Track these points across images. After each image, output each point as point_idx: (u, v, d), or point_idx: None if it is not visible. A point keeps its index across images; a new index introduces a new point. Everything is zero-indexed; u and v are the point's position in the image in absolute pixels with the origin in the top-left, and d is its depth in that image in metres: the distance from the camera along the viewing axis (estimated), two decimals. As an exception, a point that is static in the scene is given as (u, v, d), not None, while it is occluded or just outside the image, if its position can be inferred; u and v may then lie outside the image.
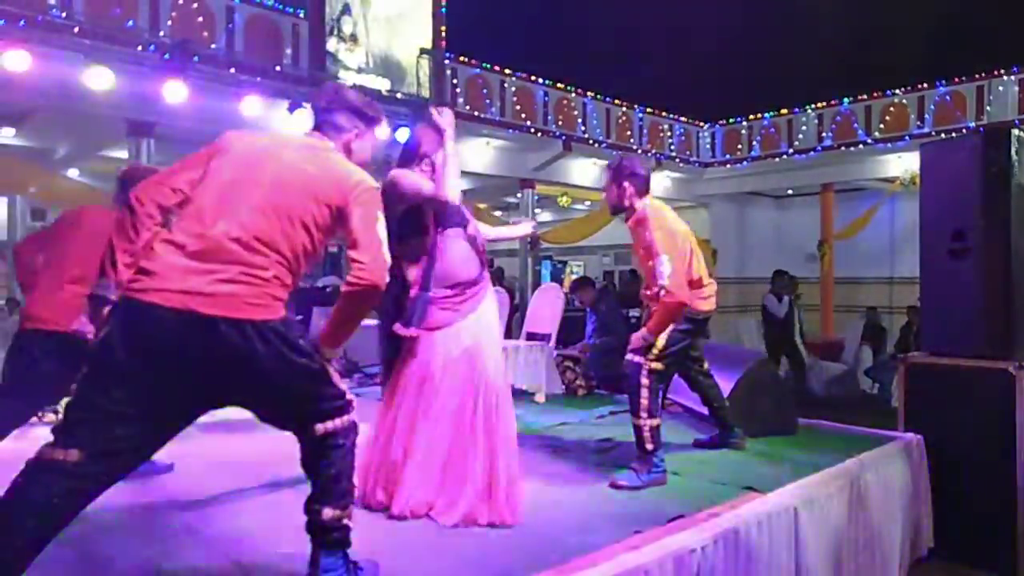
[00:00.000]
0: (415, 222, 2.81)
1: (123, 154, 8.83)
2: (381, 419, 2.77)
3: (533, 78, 12.06)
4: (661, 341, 3.21)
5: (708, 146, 15.18)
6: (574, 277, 12.13)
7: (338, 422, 1.97)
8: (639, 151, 13.64)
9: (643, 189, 3.33)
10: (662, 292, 3.07)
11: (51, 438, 1.74)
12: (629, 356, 3.25)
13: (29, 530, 1.66)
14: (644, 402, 3.15)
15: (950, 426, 3.88)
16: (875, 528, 3.40)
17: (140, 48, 7.56)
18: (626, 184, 3.31)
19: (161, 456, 3.06)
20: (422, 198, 2.76)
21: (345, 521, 1.99)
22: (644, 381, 3.17)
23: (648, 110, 14.02)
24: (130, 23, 7.74)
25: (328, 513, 1.95)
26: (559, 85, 12.47)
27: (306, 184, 1.93)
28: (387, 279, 1.98)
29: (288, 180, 1.92)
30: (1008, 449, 3.69)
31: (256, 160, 1.94)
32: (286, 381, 1.87)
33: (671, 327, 3.23)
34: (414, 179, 2.78)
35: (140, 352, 1.74)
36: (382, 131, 2.23)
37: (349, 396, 2.02)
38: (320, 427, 1.94)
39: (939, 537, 3.84)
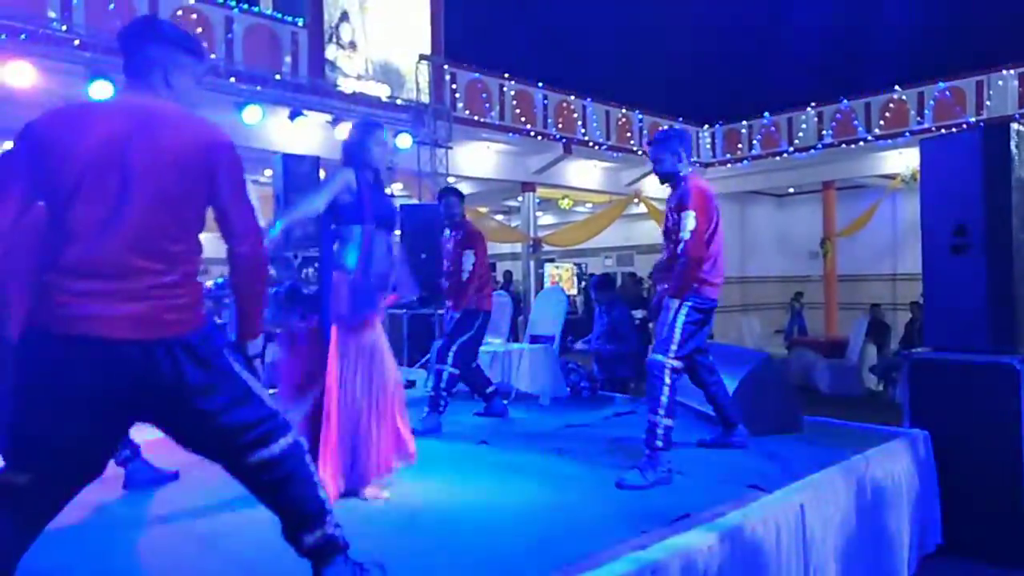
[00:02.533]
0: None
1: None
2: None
3: (532, 82, 12.09)
4: (677, 336, 3.28)
5: (708, 146, 15.19)
6: (591, 276, 12.00)
7: (274, 449, 1.76)
8: (639, 152, 13.66)
9: (685, 167, 3.50)
10: (681, 247, 3.26)
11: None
12: (651, 355, 3.33)
13: None
14: (665, 400, 3.21)
15: (956, 421, 3.87)
16: (883, 525, 3.39)
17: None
18: (681, 151, 3.46)
19: (167, 465, 3.10)
20: None
21: (329, 532, 1.84)
22: (667, 380, 3.23)
23: (647, 111, 14.04)
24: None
25: (309, 539, 1.82)
26: (558, 88, 12.51)
27: (173, 160, 1.68)
28: (265, 243, 1.83)
29: (153, 161, 1.67)
30: (1014, 443, 3.68)
31: (103, 149, 1.65)
32: (203, 404, 1.69)
33: (684, 320, 3.32)
34: None
35: (49, 384, 1.63)
36: (203, 63, 1.97)
37: (282, 416, 1.83)
38: (254, 458, 1.75)
39: (948, 533, 3.82)
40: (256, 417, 1.76)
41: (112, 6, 7.67)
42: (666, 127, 14.41)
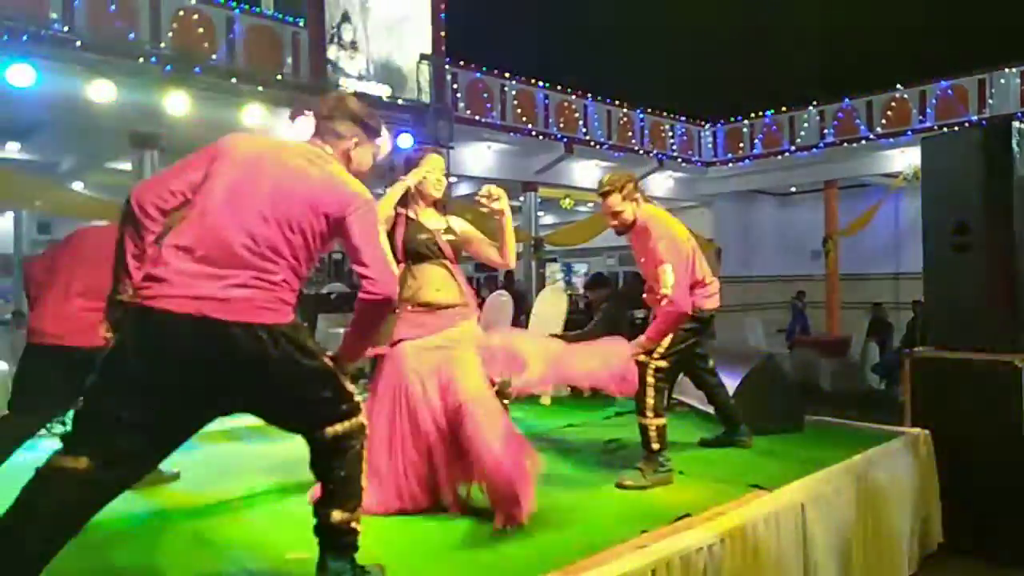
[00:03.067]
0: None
1: (127, 166, 8.90)
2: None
3: (533, 81, 12.09)
4: (666, 340, 3.21)
5: (710, 145, 15.19)
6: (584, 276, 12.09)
7: (347, 425, 1.97)
8: (641, 152, 13.66)
9: (638, 198, 3.31)
10: (664, 302, 3.08)
11: (60, 447, 1.75)
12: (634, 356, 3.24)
13: (39, 539, 1.68)
14: (650, 401, 3.16)
15: (957, 420, 3.86)
16: (884, 524, 3.39)
17: (141, 60, 7.62)
18: (626, 203, 3.27)
19: (166, 465, 3.11)
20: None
21: (354, 524, 1.99)
22: (650, 380, 3.17)
23: (649, 111, 14.03)
24: (131, 35, 7.80)
25: (337, 516, 1.96)
26: (560, 87, 12.50)
27: (305, 193, 1.92)
28: (397, 290, 2.00)
29: (288, 188, 1.92)
30: (1016, 441, 3.68)
31: (258, 165, 1.93)
32: (297, 384, 1.89)
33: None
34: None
35: (153, 359, 1.76)
36: (383, 142, 2.25)
37: (358, 399, 2.02)
38: (329, 430, 1.94)
39: (949, 532, 3.82)
40: (339, 396, 1.96)
41: (113, 7, 7.70)
42: (667, 127, 14.43)
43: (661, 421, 3.18)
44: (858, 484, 3.26)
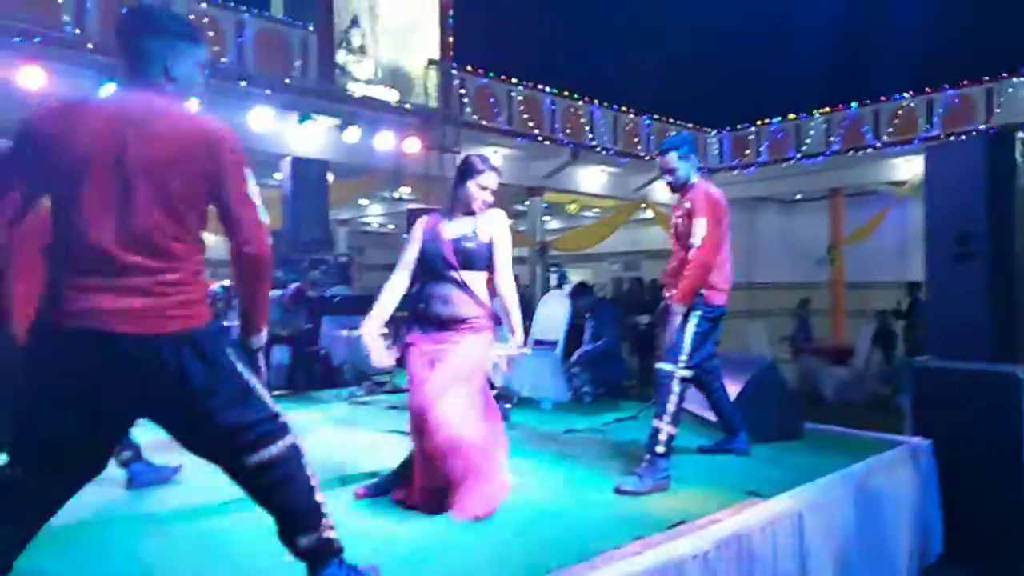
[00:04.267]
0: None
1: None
2: None
3: (540, 87, 12.13)
4: (687, 347, 3.30)
5: (716, 152, 15.19)
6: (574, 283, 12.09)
7: (272, 451, 1.75)
8: (647, 158, 13.67)
9: (693, 160, 3.49)
10: (692, 252, 3.25)
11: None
12: (660, 364, 3.34)
13: None
14: (671, 408, 3.23)
15: (959, 430, 3.86)
16: (884, 533, 3.38)
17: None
18: (691, 156, 3.46)
19: (164, 462, 3.13)
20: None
21: (325, 536, 1.84)
22: (676, 388, 3.25)
23: (655, 117, 14.05)
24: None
25: (304, 541, 1.82)
26: (566, 93, 12.54)
27: (173, 158, 1.67)
28: (269, 242, 1.79)
29: (154, 159, 1.65)
30: (1017, 452, 3.67)
31: (102, 146, 1.64)
32: (204, 402, 1.69)
33: (694, 330, 3.32)
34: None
35: (50, 378, 1.66)
36: (201, 48, 1.90)
37: (283, 417, 1.81)
38: (253, 459, 1.74)
39: (949, 542, 3.81)
40: (256, 418, 1.75)
41: (124, 10, 7.75)
42: (673, 133, 14.43)
43: (674, 430, 3.23)
44: (857, 493, 3.26)
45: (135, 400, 1.71)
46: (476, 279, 2.89)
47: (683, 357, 3.28)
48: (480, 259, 2.89)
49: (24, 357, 1.69)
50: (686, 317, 3.35)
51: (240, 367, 1.79)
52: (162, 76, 1.79)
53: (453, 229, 2.92)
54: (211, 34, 8.49)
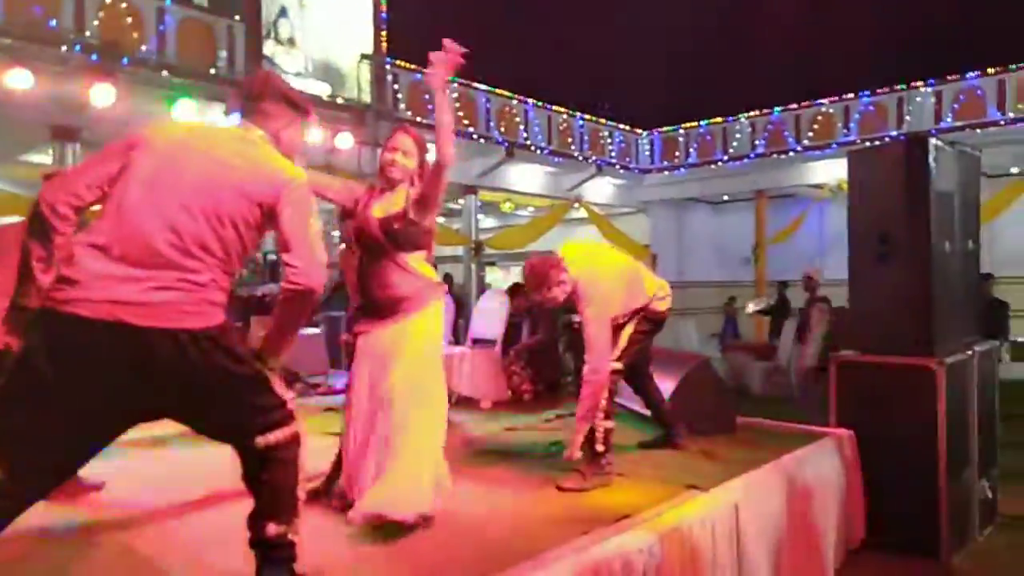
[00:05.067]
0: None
1: (47, 159, 8.45)
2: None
3: (475, 84, 12.09)
4: (623, 341, 3.32)
5: (647, 153, 15.52)
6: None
7: (279, 434, 1.86)
8: (580, 158, 13.84)
9: (564, 271, 3.22)
10: (586, 370, 3.14)
11: None
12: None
13: None
14: (603, 403, 3.19)
15: (878, 421, 4.05)
16: (812, 521, 3.52)
17: (64, 49, 7.26)
18: (555, 289, 3.21)
19: (89, 473, 2.96)
20: None
21: (290, 536, 1.91)
22: (606, 383, 3.21)
23: (588, 117, 14.23)
24: (53, 23, 7.42)
25: (273, 529, 1.88)
26: (501, 92, 12.54)
27: (235, 181, 1.81)
28: (323, 281, 1.91)
29: (216, 177, 1.80)
30: (931, 440, 3.88)
31: (181, 155, 1.81)
32: (224, 392, 1.79)
33: (632, 329, 3.37)
34: None
35: (66, 366, 1.64)
36: (313, 125, 2.19)
37: (291, 406, 1.93)
38: (261, 440, 1.84)
39: (871, 527, 4.00)
40: (270, 403, 1.86)
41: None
42: (606, 134, 14.64)
43: (610, 424, 3.23)
44: (788, 484, 3.38)
45: (152, 390, 1.73)
46: (413, 258, 2.77)
47: (617, 352, 3.29)
48: (409, 239, 2.74)
49: (26, 346, 1.70)
50: (627, 320, 3.39)
51: (251, 357, 1.87)
52: (271, 136, 1.99)
53: (380, 206, 2.78)
54: (129, 20, 8.08)
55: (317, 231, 1.92)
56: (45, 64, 6.94)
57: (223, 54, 8.96)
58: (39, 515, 2.72)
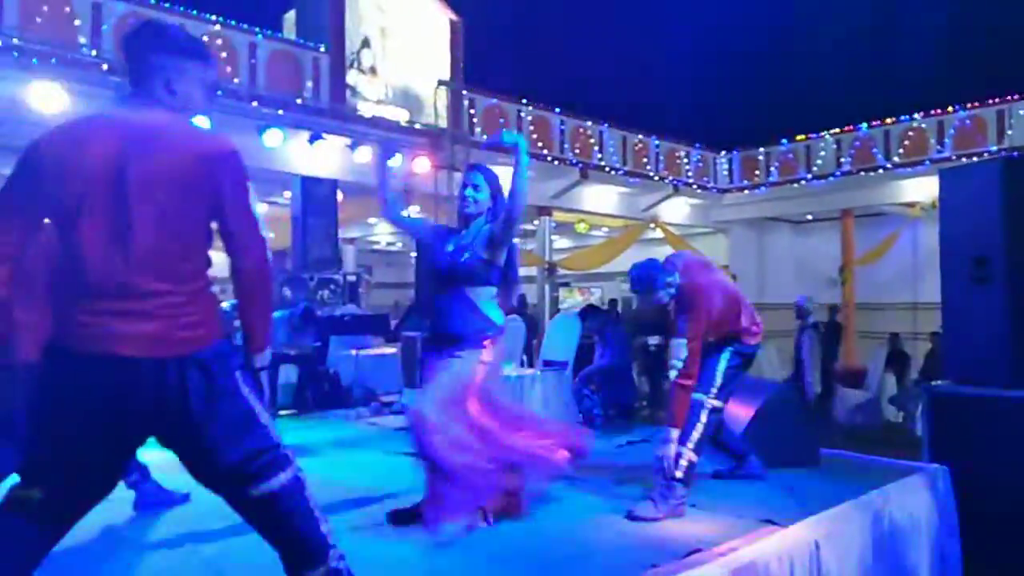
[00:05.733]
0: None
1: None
2: None
3: (550, 107, 12.19)
4: (719, 380, 3.32)
5: (725, 172, 15.19)
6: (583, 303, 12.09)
7: (275, 483, 1.71)
8: (656, 178, 13.69)
9: (670, 274, 3.27)
10: (673, 372, 3.13)
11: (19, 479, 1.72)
12: (694, 393, 3.25)
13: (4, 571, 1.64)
14: (697, 435, 3.21)
15: (976, 457, 3.79)
16: (900, 562, 3.31)
17: (166, 83, 7.77)
18: (660, 291, 3.26)
19: (177, 487, 3.11)
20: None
21: (333, 566, 1.79)
22: (703, 418, 3.24)
23: (664, 137, 14.08)
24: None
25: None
26: (575, 113, 12.59)
27: (173, 176, 1.65)
28: (268, 255, 1.78)
29: (151, 179, 1.64)
30: (1036, 480, 3.60)
31: (102, 166, 1.63)
32: (209, 425, 1.67)
33: (726, 364, 3.35)
34: None
35: (62, 402, 1.66)
36: (211, 68, 1.88)
37: (285, 448, 1.77)
38: (255, 491, 1.70)
39: (969, 571, 3.73)
40: (258, 447, 1.72)
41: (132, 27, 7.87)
42: (682, 154, 14.44)
43: (695, 457, 3.19)
44: (874, 521, 3.20)
45: (147, 423, 1.69)
46: (479, 293, 2.85)
47: (714, 389, 3.31)
48: (476, 274, 2.83)
49: (38, 380, 1.70)
50: (719, 351, 3.35)
51: (245, 392, 1.76)
52: (164, 92, 1.77)
53: (454, 241, 2.92)
54: (224, 55, 8.59)
55: (255, 201, 1.78)
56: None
57: (309, 84, 9.38)
58: (127, 524, 2.90)
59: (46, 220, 1.70)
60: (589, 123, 12.77)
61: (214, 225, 1.76)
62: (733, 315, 3.40)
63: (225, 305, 5.62)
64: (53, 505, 1.68)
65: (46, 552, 1.72)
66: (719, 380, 3.32)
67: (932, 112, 12.45)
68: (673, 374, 3.15)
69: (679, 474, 3.11)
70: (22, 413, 2.51)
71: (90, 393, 1.63)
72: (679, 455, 3.15)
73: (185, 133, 1.74)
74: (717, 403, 3.30)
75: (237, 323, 1.85)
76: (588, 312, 6.18)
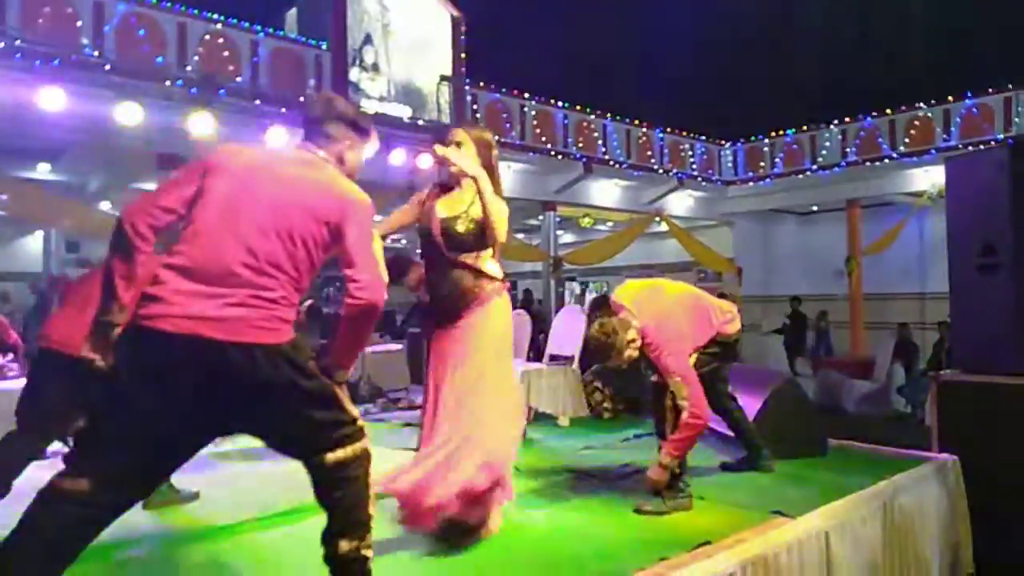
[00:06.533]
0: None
1: (153, 187, 9.04)
2: None
3: (553, 101, 12.15)
4: (692, 362, 3.19)
5: (730, 164, 15.11)
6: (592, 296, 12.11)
7: (349, 451, 1.90)
8: (660, 171, 13.64)
9: (628, 328, 3.02)
10: (685, 415, 2.94)
11: (63, 468, 1.75)
12: (657, 379, 3.20)
13: (42, 561, 1.68)
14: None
15: (986, 446, 3.77)
16: (911, 553, 3.30)
17: (168, 83, 7.78)
18: (626, 351, 3.01)
19: (186, 485, 3.12)
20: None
21: (363, 551, 1.92)
22: (671, 404, 3.10)
23: (668, 129, 14.02)
24: (159, 59, 7.98)
25: (345, 546, 1.90)
26: (579, 107, 12.55)
27: (304, 202, 1.89)
28: (384, 296, 1.94)
29: (286, 198, 1.89)
30: (1048, 469, 3.57)
31: (254, 177, 1.90)
32: (295, 407, 1.83)
33: (699, 351, 3.24)
34: None
35: (150, 379, 1.74)
36: (373, 143, 2.22)
37: (360, 423, 1.96)
38: (331, 456, 1.87)
39: (980, 562, 3.71)
40: (340, 419, 1.90)
41: (142, 32, 7.89)
42: (687, 146, 14.39)
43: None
44: (884, 511, 3.18)
45: (227, 402, 1.79)
46: (476, 256, 2.72)
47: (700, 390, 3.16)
48: (472, 242, 2.70)
49: (116, 362, 1.80)
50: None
51: (324, 377, 1.91)
52: (335, 159, 2.06)
53: (445, 204, 2.78)
54: (226, 54, 8.59)
55: (379, 249, 1.97)
56: (151, 98, 7.45)
57: (311, 82, 9.37)
58: (137, 522, 2.91)
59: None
60: (592, 117, 12.72)
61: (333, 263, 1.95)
62: (704, 322, 3.29)
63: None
64: (100, 499, 1.72)
65: (83, 547, 1.74)
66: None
67: (938, 101, 12.36)
68: (685, 414, 2.94)
69: (676, 470, 3.07)
70: (62, 404, 2.68)
71: (179, 371, 1.73)
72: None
73: (332, 178, 2.00)
74: None
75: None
76: (597, 304, 6.16)
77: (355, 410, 1.97)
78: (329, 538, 1.91)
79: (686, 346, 3.13)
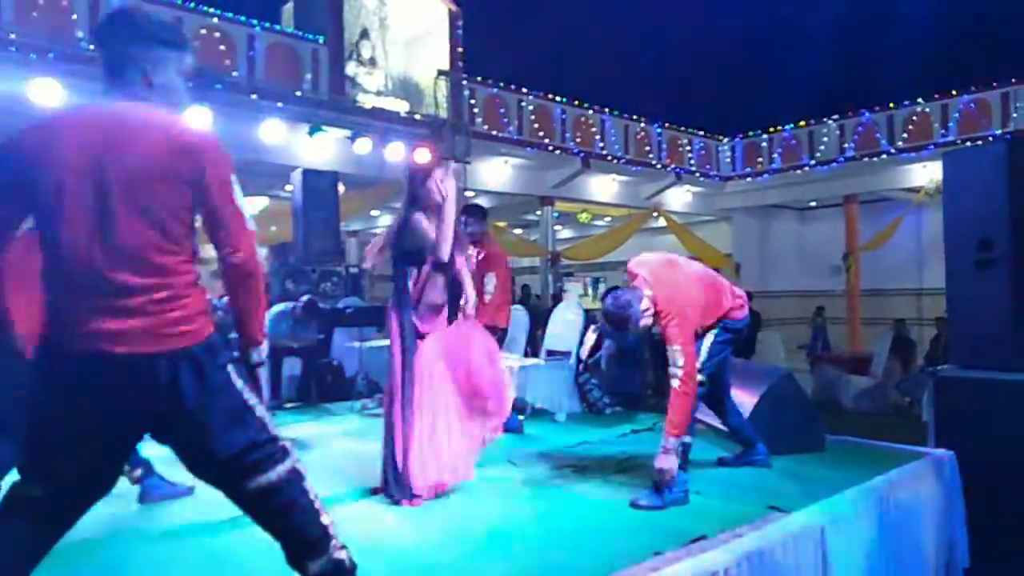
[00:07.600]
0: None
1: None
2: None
3: (551, 96, 12.12)
4: (704, 355, 3.23)
5: (728, 160, 15.11)
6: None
7: (273, 476, 1.70)
8: (658, 166, 13.63)
9: (642, 298, 3.13)
10: (675, 381, 3.01)
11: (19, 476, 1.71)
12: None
13: (11, 563, 1.64)
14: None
15: (983, 441, 3.76)
16: (907, 548, 3.30)
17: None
18: (642, 320, 3.12)
19: (181, 479, 3.11)
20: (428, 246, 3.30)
21: (334, 556, 1.77)
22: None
23: (666, 125, 14.00)
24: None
25: (313, 567, 1.76)
26: (576, 102, 12.53)
27: (151, 169, 1.60)
28: (257, 250, 1.73)
29: (132, 173, 1.60)
30: (1044, 464, 3.57)
31: (80, 162, 1.59)
32: (203, 420, 1.65)
33: (713, 339, 3.28)
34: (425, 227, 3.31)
35: (60, 401, 1.63)
36: (188, 52, 1.85)
37: (282, 440, 1.76)
38: (252, 484, 1.69)
39: (976, 556, 3.71)
40: (255, 440, 1.70)
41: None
42: (685, 142, 14.37)
43: (688, 439, 3.14)
44: (880, 507, 3.18)
45: (138, 420, 1.68)
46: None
47: (697, 364, 3.18)
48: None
49: (31, 377, 1.67)
50: (707, 331, 3.30)
51: (239, 386, 1.72)
52: (141, 83, 1.73)
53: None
54: (222, 48, 8.56)
55: (242, 197, 1.72)
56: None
57: (308, 76, 9.34)
58: (132, 517, 2.90)
59: (29, 218, 1.67)
60: (590, 111, 12.71)
61: (198, 218, 1.73)
62: (715, 301, 3.32)
63: (215, 300, 5.63)
64: (53, 503, 1.67)
65: (47, 550, 1.71)
66: (703, 356, 3.23)
67: (936, 96, 12.35)
68: (675, 383, 3.01)
69: (683, 457, 3.08)
70: (18, 410, 2.55)
71: (84, 392, 1.61)
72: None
73: (165, 126, 1.67)
74: (701, 378, 3.19)
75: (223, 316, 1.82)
76: (605, 297, 6.13)
77: (274, 427, 1.76)
78: (295, 564, 1.78)
79: (694, 318, 3.17)
